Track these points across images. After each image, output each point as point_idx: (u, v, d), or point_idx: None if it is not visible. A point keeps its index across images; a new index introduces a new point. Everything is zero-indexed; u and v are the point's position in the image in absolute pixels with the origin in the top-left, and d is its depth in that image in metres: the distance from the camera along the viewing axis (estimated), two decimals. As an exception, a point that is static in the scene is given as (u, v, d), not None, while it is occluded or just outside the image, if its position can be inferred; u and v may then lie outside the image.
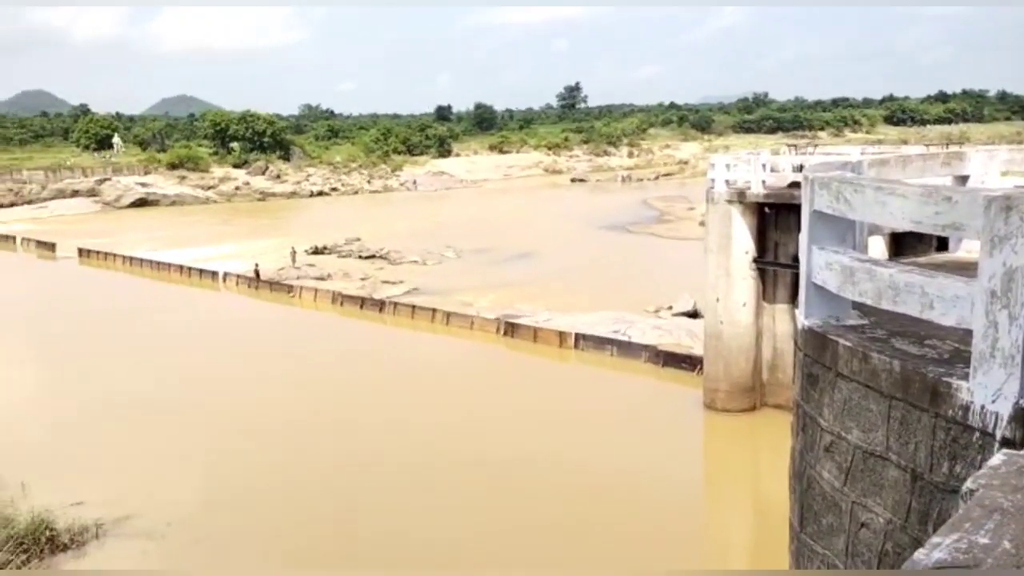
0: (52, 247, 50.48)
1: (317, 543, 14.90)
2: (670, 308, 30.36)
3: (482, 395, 23.27)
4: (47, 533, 14.01)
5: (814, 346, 4.89)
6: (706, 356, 21.69)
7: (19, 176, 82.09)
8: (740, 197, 20.62)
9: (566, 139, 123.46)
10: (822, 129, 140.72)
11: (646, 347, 25.60)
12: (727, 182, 20.85)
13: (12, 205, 72.93)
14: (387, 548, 14.71)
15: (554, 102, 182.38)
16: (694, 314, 29.11)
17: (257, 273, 39.07)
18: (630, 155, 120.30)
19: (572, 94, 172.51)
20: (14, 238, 54.15)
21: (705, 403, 21.45)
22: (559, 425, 20.58)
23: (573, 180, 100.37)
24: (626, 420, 21.08)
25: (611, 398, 23.07)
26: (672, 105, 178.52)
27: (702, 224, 33.28)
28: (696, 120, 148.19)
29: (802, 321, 5.13)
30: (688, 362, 24.11)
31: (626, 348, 25.99)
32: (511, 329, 28.88)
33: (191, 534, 15.04)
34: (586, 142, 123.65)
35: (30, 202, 74.07)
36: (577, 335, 27.15)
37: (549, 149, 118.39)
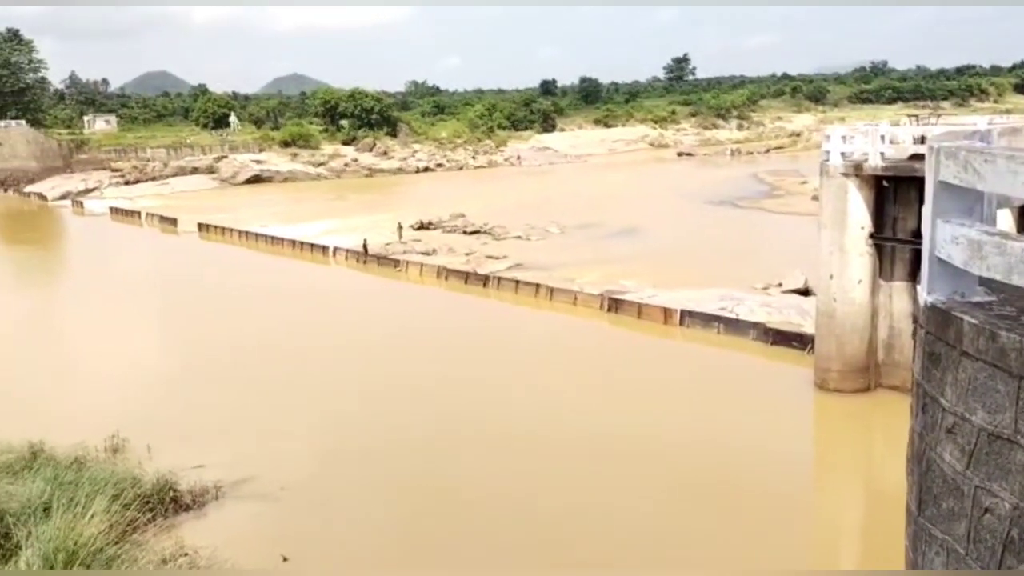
0: (174, 222, 53.02)
1: (424, 511, 15.22)
2: (779, 285, 29.51)
3: (585, 370, 23.22)
4: (171, 493, 14.79)
5: (937, 323, 4.63)
6: (818, 335, 20.99)
7: (143, 154, 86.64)
8: (857, 170, 19.76)
9: (673, 112, 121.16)
10: (945, 99, 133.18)
11: (754, 325, 24.97)
12: (843, 154, 20.01)
13: (137, 182, 76.94)
14: (497, 518, 14.90)
15: (661, 74, 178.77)
16: (805, 292, 28.22)
17: (365, 248, 39.99)
18: (739, 128, 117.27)
19: (680, 66, 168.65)
20: (140, 213, 57.12)
21: (816, 383, 20.79)
22: (663, 402, 20.36)
23: (680, 154, 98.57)
24: (733, 398, 20.65)
25: (717, 376, 22.65)
26: (785, 76, 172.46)
27: (815, 199, 32.14)
28: (810, 91, 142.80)
29: (924, 297, 4.86)
30: (798, 341, 23.39)
31: (733, 325, 25.42)
32: (615, 305, 28.67)
33: (303, 498, 15.60)
34: (694, 115, 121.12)
35: (154, 179, 77.95)
36: (683, 311, 26.71)
37: (655, 123, 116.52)
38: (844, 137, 20.31)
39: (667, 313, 27.08)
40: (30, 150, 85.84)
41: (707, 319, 26.13)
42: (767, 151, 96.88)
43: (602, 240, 42.65)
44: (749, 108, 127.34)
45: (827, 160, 20.30)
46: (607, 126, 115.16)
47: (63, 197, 70.17)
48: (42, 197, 71.53)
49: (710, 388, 21.44)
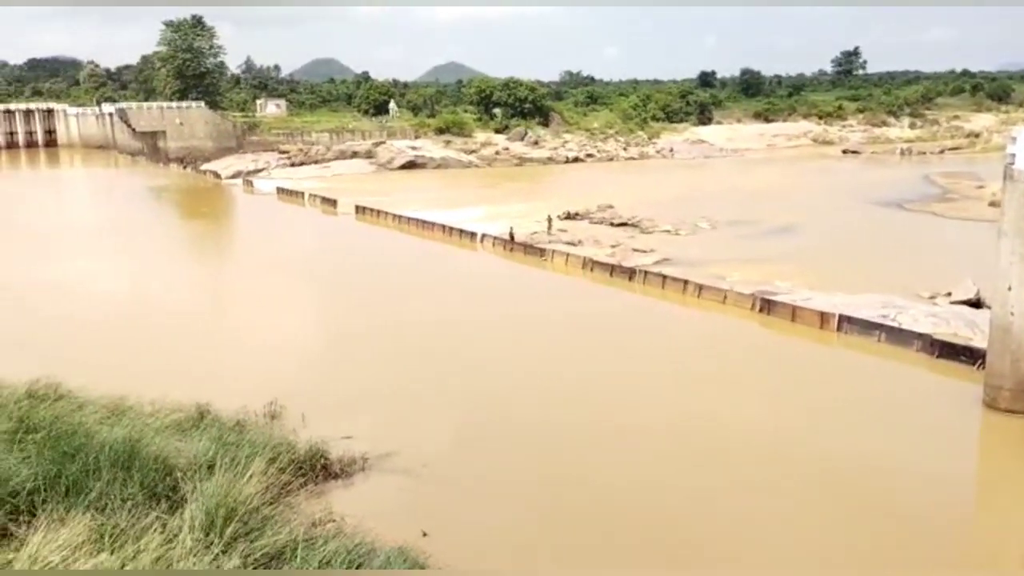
0: (334, 203, 55.33)
1: (562, 496, 15.24)
2: (948, 295, 27.67)
3: (733, 372, 22.55)
4: (322, 461, 15.44)
5: None
6: (990, 350, 19.49)
7: (308, 138, 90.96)
8: (1046, 173, 18.17)
9: (839, 107, 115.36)
10: None
11: (919, 335, 23.48)
12: (1031, 156, 18.45)
13: (302, 164, 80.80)
14: (636, 513, 14.75)
15: (828, 68, 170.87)
16: (977, 303, 26.36)
17: (512, 236, 40.38)
18: (911, 126, 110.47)
19: (849, 59, 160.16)
20: (303, 194, 59.99)
21: (985, 401, 19.33)
22: (815, 410, 19.50)
23: (845, 152, 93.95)
24: (892, 412, 19.50)
25: (876, 387, 21.45)
26: (965, 72, 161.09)
27: (993, 204, 29.89)
28: (992, 89, 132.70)
29: None
30: (967, 355, 21.83)
31: (896, 335, 24.00)
32: (767, 306, 27.67)
33: (444, 476, 15.94)
34: (862, 111, 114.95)
35: (316, 162, 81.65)
36: (841, 317, 25.44)
37: (820, 118, 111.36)
38: (1034, 138, 18.71)
39: (824, 317, 25.87)
40: (207, 130, 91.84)
41: (867, 326, 24.79)
42: (941, 152, 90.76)
43: (756, 238, 41.30)
44: (923, 106, 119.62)
45: (1012, 163, 18.75)
46: (767, 120, 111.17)
47: (235, 176, 74.56)
48: (216, 175, 76.30)
49: (867, 399, 20.33)
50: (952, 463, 17.21)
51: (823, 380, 22.17)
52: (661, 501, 15.23)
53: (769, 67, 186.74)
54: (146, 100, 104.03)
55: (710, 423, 18.62)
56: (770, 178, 68.94)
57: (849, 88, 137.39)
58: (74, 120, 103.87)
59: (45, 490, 10.93)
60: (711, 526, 14.42)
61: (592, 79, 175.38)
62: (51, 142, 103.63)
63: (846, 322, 25.27)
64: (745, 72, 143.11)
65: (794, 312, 26.78)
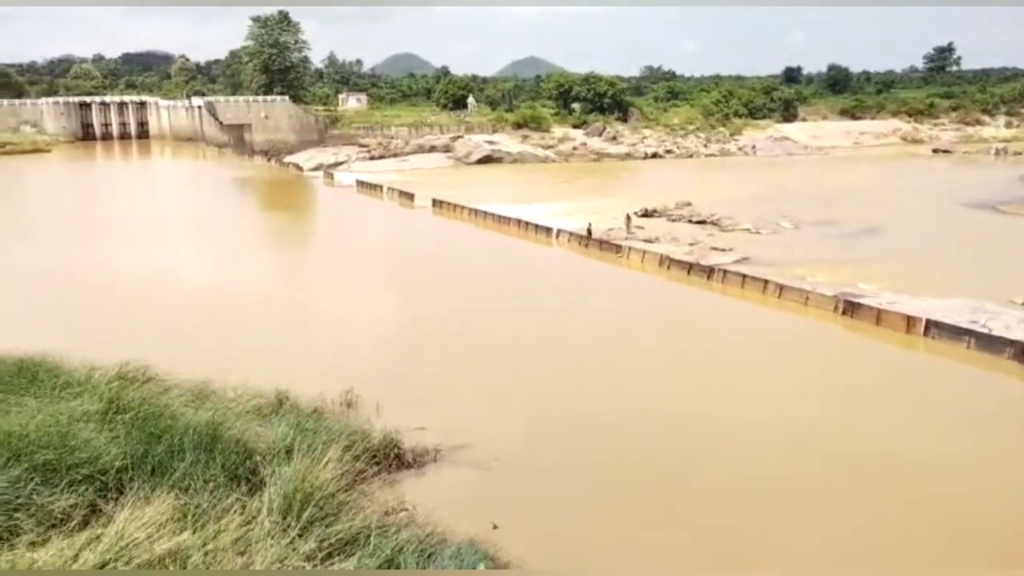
0: (411, 197, 55.96)
1: (632, 498, 15.10)
2: (1045, 301, 26.43)
3: (816, 375, 21.98)
4: (395, 450, 15.63)
5: None
6: (1090, 360, 18.54)
7: (388, 132, 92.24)
8: None
9: (931, 105, 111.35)
10: None
11: (1012, 342, 22.47)
12: None
13: (381, 157, 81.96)
14: (715, 516, 14.53)
15: (920, 64, 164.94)
16: (1076, 310, 25.11)
17: (589, 232, 40.10)
18: (1007, 125, 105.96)
19: (942, 55, 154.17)
20: (381, 187, 60.85)
21: (1084, 414, 18.41)
22: (900, 417, 18.84)
23: (935, 151, 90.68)
24: (982, 422, 18.74)
25: (965, 395, 20.67)
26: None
27: (1098, 206, 28.31)
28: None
29: None
30: (1064, 364, 20.84)
31: (987, 341, 23.02)
32: (851, 308, 26.86)
33: (516, 470, 15.96)
34: (954, 109, 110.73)
35: (395, 155, 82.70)
36: (928, 321, 24.55)
37: (910, 116, 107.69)
38: None
39: (910, 321, 25.00)
40: (291, 124, 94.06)
41: (956, 332, 23.85)
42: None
43: (840, 238, 40.17)
44: (1020, 104, 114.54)
45: (1121, 163, 17.78)
46: (854, 117, 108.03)
47: (316, 168, 76.08)
48: (298, 167, 77.99)
49: (956, 408, 19.60)
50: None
51: (910, 386, 21.42)
52: (744, 500, 14.94)
53: (858, 63, 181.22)
54: (233, 94, 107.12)
55: (794, 425, 18.19)
56: (856, 177, 66.96)
57: (942, 85, 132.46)
58: (165, 113, 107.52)
59: (132, 469, 11.34)
60: (799, 527, 14.07)
61: (673, 74, 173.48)
62: (143, 134, 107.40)
63: (934, 327, 24.37)
64: (832, 68, 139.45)
65: (879, 315, 25.94)
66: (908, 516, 14.60)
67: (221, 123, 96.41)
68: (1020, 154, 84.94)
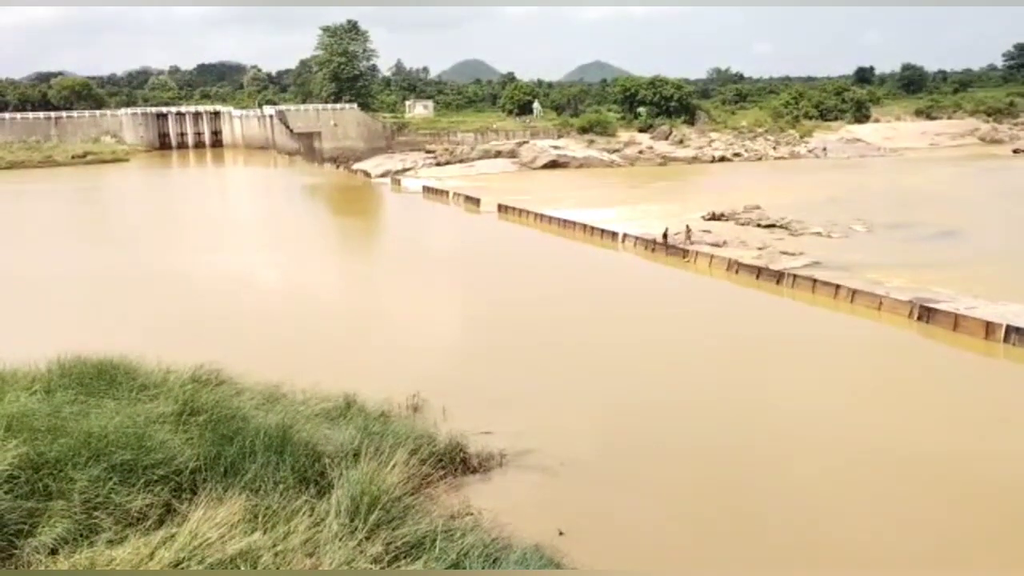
0: (477, 202, 56.26)
1: (699, 504, 14.88)
2: None
3: (892, 385, 21.33)
4: (461, 455, 15.67)
5: None
6: None
7: (454, 138, 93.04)
8: None
9: (1011, 104, 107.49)
10: None
11: (1099, 350, 21.54)
12: None
13: (447, 163, 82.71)
14: (779, 521, 14.24)
15: (999, 62, 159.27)
16: None
17: (665, 236, 39.19)
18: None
19: (1022, 52, 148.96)
20: (447, 192, 61.35)
21: None
22: (982, 429, 18.16)
23: (1016, 151, 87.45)
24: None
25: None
26: None
27: None
28: None
29: None
30: None
31: (1072, 348, 22.10)
32: (927, 313, 26.02)
33: (582, 476, 15.87)
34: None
35: (461, 161, 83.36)
36: (1009, 327, 23.63)
37: (988, 115, 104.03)
38: None
39: (989, 327, 24.10)
40: (359, 131, 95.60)
41: (1038, 338, 22.93)
42: None
43: (914, 242, 38.99)
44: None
45: None
46: (930, 118, 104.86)
47: (384, 175, 77.09)
48: (366, 174, 79.15)
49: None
50: None
51: (990, 395, 20.64)
52: (811, 510, 14.60)
53: (934, 63, 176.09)
54: (303, 103, 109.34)
55: (870, 435, 17.67)
56: (932, 179, 64.93)
57: (1022, 83, 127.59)
58: (238, 122, 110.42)
59: (205, 470, 11.60)
60: (868, 539, 13.68)
61: (741, 76, 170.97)
62: (217, 142, 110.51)
63: (1014, 333, 23.45)
64: (907, 67, 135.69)
65: (956, 321, 25.07)
66: (976, 520, 14.05)
67: (292, 131, 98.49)
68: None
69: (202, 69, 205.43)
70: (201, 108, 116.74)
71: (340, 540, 10.24)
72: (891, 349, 24.91)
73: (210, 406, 13.78)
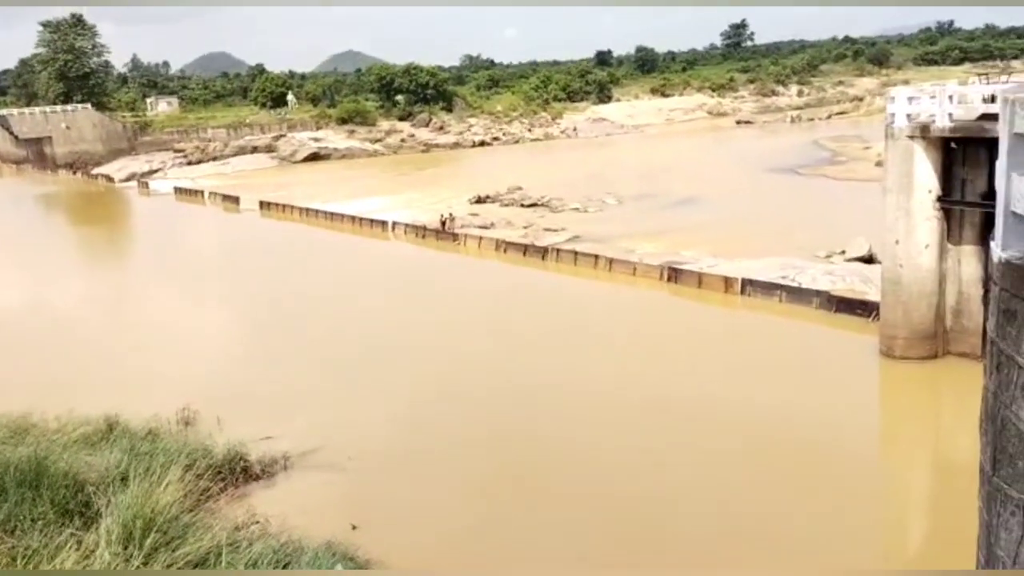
0: (236, 200, 54.00)
1: (488, 481, 15.40)
2: (843, 253, 28.92)
3: (647, 340, 23.14)
4: (241, 463, 15.19)
5: (1013, 280, 4.50)
6: (883, 302, 20.53)
7: (204, 135, 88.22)
8: (923, 132, 19.17)
9: (731, 80, 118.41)
10: (1016, 58, 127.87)
11: (817, 293, 24.56)
12: (908, 116, 19.41)
13: (199, 162, 78.47)
14: (565, 489, 15.02)
15: (718, 41, 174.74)
16: (869, 259, 27.62)
17: (443, 222, 39.55)
18: (799, 94, 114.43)
19: (737, 32, 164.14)
20: (202, 193, 58.36)
21: (881, 351, 20.38)
22: (726, 372, 20.17)
23: (739, 122, 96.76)
24: (797, 367, 20.42)
25: (780, 345, 22.38)
26: (846, 39, 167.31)
27: (878, 164, 31.22)
28: (872, 54, 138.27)
29: (999, 254, 4.73)
30: (863, 308, 22.96)
31: (796, 294, 25.03)
32: (675, 275, 28.44)
33: (370, 468, 15.92)
34: (752, 82, 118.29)
35: (215, 159, 79.41)
36: (744, 280, 26.40)
37: (713, 91, 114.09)
38: (910, 99, 19.65)
39: (728, 282, 26.79)
40: (96, 133, 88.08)
41: (769, 288, 25.77)
42: (828, 117, 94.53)
43: (661, 211, 42.24)
44: (809, 73, 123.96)
45: (892, 122, 19.73)
46: (664, 95, 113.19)
47: (129, 178, 71.95)
48: (109, 179, 73.47)
49: (773, 357, 21.20)
50: (857, 411, 18.07)
51: (731, 342, 22.93)
52: (589, 467, 15.56)
53: (663, 43, 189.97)
54: (27, 105, 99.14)
55: (625, 389, 19.06)
56: (671, 152, 70.40)
57: (739, 60, 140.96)
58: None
59: (-55, 518, 10.47)
60: (634, 488, 14.78)
61: (492, 62, 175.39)
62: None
63: (749, 285, 26.22)
64: (640, 50, 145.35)
65: (700, 279, 27.64)
66: (745, 453, 15.69)
67: (17, 137, 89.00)
68: (813, 120, 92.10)
69: None
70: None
71: (114, 570, 9.65)
72: (646, 309, 26.95)
73: (-57, 448, 12.39)
